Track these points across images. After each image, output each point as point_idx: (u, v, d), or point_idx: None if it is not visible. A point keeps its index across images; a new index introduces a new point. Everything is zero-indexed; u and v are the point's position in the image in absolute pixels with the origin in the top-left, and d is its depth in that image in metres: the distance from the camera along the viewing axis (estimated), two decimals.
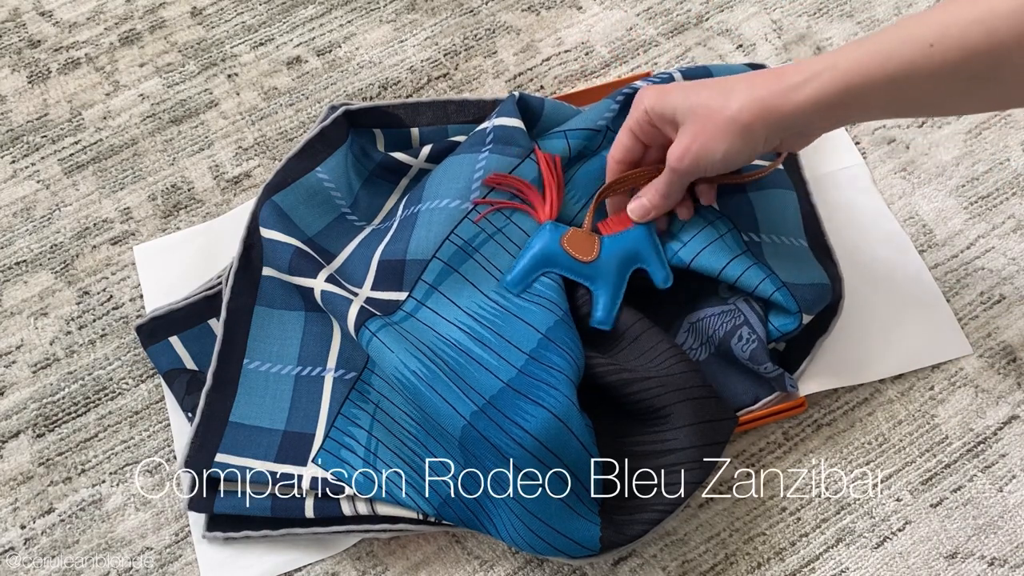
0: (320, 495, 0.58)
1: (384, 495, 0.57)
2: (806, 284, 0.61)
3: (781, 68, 0.52)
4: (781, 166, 0.67)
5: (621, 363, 0.58)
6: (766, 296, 0.59)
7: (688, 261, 0.61)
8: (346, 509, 0.58)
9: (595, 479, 0.54)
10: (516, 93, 0.65)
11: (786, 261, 0.62)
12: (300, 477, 0.58)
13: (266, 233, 0.63)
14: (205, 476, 0.59)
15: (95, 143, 0.74)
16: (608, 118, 0.65)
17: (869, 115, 0.53)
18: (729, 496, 0.61)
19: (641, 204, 0.60)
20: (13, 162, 0.73)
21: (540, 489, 0.53)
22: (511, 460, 0.53)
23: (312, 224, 0.65)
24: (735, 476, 0.62)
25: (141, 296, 0.68)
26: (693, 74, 0.68)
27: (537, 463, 0.52)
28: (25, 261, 0.69)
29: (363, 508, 0.58)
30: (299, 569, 0.59)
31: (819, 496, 0.61)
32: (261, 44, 0.79)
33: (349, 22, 0.80)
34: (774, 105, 0.51)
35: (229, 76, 0.77)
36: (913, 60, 0.48)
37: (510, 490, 0.53)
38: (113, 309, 0.68)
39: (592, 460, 0.54)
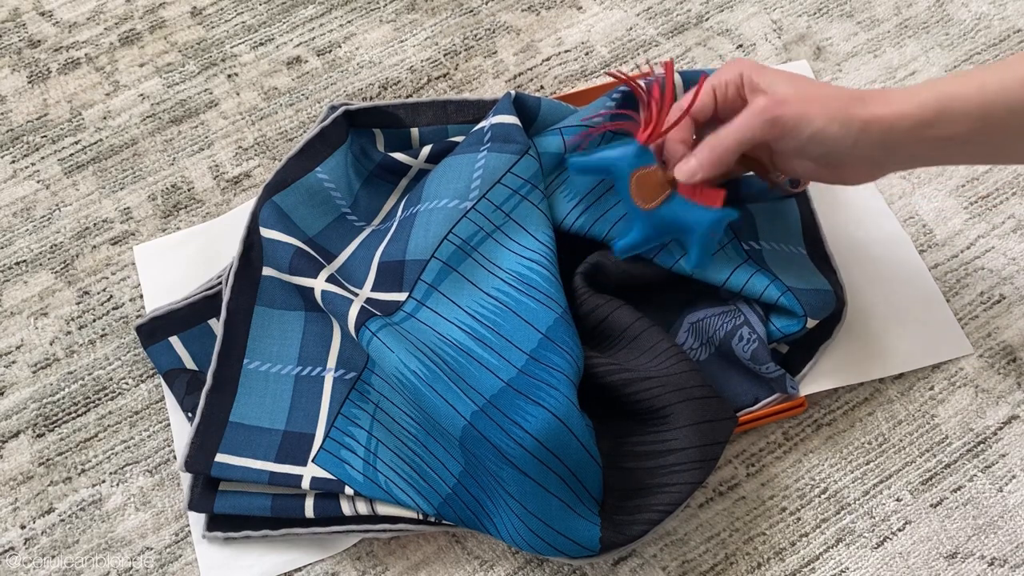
0: (320, 495, 0.58)
1: (384, 495, 0.57)
2: (810, 289, 0.61)
3: (881, 89, 0.53)
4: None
5: (621, 363, 0.58)
6: (772, 301, 0.60)
7: (691, 271, 0.61)
8: (346, 509, 0.58)
9: (595, 479, 0.55)
10: (512, 92, 0.65)
11: (788, 268, 0.62)
12: (300, 477, 0.58)
13: (266, 233, 0.63)
14: (205, 476, 0.59)
15: (95, 143, 0.74)
16: (604, 116, 0.65)
17: (959, 144, 0.52)
18: (729, 496, 0.61)
19: (689, 166, 0.54)
20: (13, 162, 0.73)
21: (540, 489, 0.53)
22: (511, 460, 0.53)
23: (312, 224, 0.65)
24: (735, 476, 0.62)
25: (141, 296, 0.68)
26: (691, 78, 0.68)
27: (537, 463, 0.52)
28: (25, 261, 0.69)
29: (363, 508, 0.58)
30: (299, 569, 0.59)
31: (819, 496, 0.61)
32: (261, 44, 0.79)
33: (349, 22, 0.80)
34: (877, 111, 0.51)
35: (229, 76, 0.77)
36: (1008, 85, 0.49)
37: (510, 490, 0.53)
38: (113, 309, 0.68)
39: (592, 460, 0.54)
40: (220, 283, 0.65)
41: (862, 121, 0.51)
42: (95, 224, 0.71)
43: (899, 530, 0.60)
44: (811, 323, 0.60)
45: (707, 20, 0.79)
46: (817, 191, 0.69)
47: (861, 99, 0.52)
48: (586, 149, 0.59)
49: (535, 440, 0.52)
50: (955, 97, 0.50)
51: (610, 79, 0.76)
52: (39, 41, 0.79)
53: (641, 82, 0.57)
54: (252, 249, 0.63)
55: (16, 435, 0.63)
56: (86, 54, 0.78)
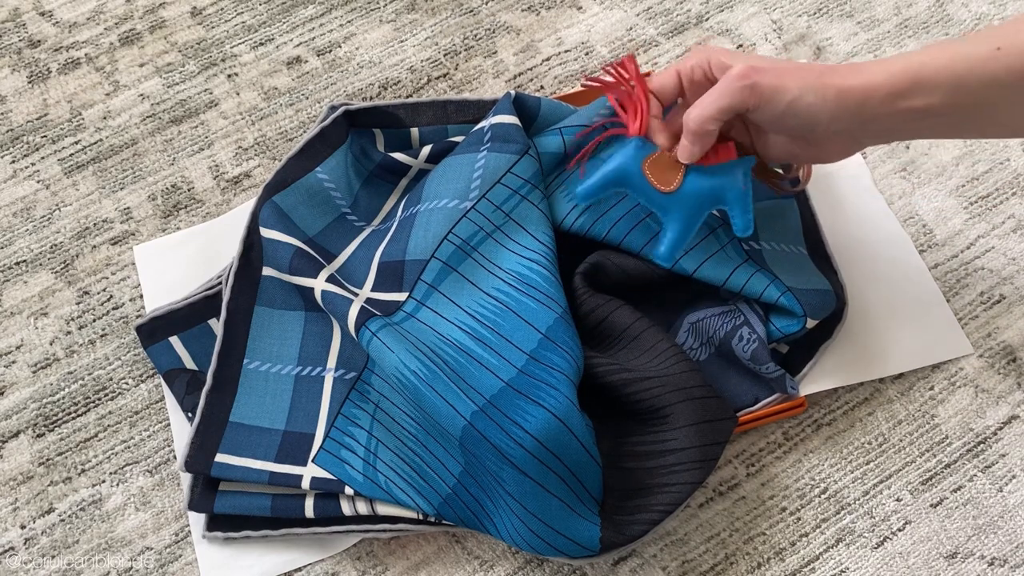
0: (320, 495, 0.58)
1: (384, 495, 0.57)
2: (810, 289, 0.61)
3: (851, 63, 0.53)
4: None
5: (621, 363, 0.58)
6: (772, 301, 0.60)
7: (691, 271, 0.61)
8: (346, 509, 0.58)
9: (595, 479, 0.55)
10: (512, 92, 0.65)
11: (788, 267, 0.62)
12: (300, 477, 0.58)
13: (266, 233, 0.63)
14: (205, 476, 0.59)
15: (95, 143, 0.74)
16: (604, 115, 0.65)
17: (935, 116, 0.51)
18: (729, 496, 0.61)
19: (684, 147, 0.55)
20: (13, 162, 0.73)
21: (540, 489, 0.53)
22: (511, 460, 0.53)
23: (312, 224, 0.65)
24: (735, 476, 0.62)
25: (141, 296, 0.68)
26: None
27: (537, 463, 0.52)
28: (25, 261, 0.69)
29: (363, 508, 0.58)
30: (299, 569, 0.59)
31: (819, 496, 0.61)
32: (261, 44, 0.79)
33: (349, 22, 0.80)
34: (850, 81, 0.51)
35: (229, 76, 0.77)
36: (979, 58, 0.49)
37: (510, 490, 0.53)
38: (113, 309, 0.68)
39: (592, 460, 0.54)
40: (220, 283, 0.65)
41: (837, 90, 0.51)
42: (95, 224, 0.71)
43: (899, 530, 0.60)
44: (811, 323, 0.60)
45: (707, 20, 0.79)
46: (817, 191, 0.69)
47: (834, 70, 0.52)
48: (585, 171, 0.60)
49: (535, 440, 0.52)
50: (927, 68, 0.50)
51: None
52: (39, 41, 0.79)
53: (610, 78, 0.59)
54: (252, 249, 0.63)
55: (16, 435, 0.63)
56: (86, 54, 0.78)
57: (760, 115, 0.53)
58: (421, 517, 0.58)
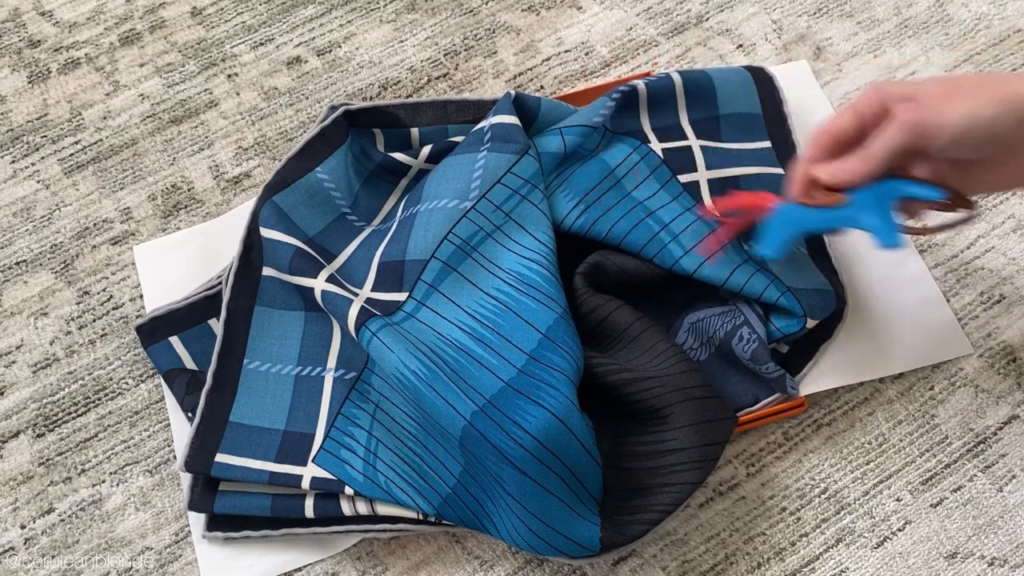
0: (320, 495, 0.58)
1: (384, 495, 0.57)
2: (810, 289, 0.61)
3: None
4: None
5: (621, 363, 0.58)
6: (772, 301, 0.60)
7: (691, 271, 0.61)
8: (346, 509, 0.58)
9: (595, 479, 0.55)
10: (512, 92, 0.65)
11: (788, 267, 0.62)
12: (300, 477, 0.58)
13: (266, 233, 0.63)
14: (205, 476, 0.59)
15: (95, 143, 0.74)
16: (604, 115, 0.65)
17: None
18: (729, 496, 0.61)
19: (841, 167, 0.53)
20: (13, 162, 0.73)
21: (540, 489, 0.53)
22: (511, 460, 0.53)
23: (312, 224, 0.65)
24: (735, 476, 0.62)
25: (141, 296, 0.68)
26: (692, 78, 0.68)
27: (537, 463, 0.52)
28: (25, 261, 0.69)
29: (363, 508, 0.58)
30: (299, 569, 0.59)
31: (819, 496, 0.61)
32: (261, 44, 0.79)
33: (349, 22, 0.80)
34: None
35: (229, 76, 0.77)
36: None
37: (510, 490, 0.53)
38: (113, 309, 0.68)
39: (592, 460, 0.54)
40: (220, 283, 0.65)
41: (1013, 94, 0.48)
42: (95, 224, 0.71)
43: (899, 530, 0.60)
44: (811, 323, 0.60)
45: (707, 20, 0.79)
46: None
47: (1007, 77, 0.49)
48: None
49: (535, 440, 0.52)
50: None
51: (610, 79, 0.76)
52: (39, 41, 0.79)
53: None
54: (252, 249, 0.63)
55: (16, 435, 0.63)
56: (86, 54, 0.78)
57: (939, 144, 0.50)
58: (421, 517, 0.58)
